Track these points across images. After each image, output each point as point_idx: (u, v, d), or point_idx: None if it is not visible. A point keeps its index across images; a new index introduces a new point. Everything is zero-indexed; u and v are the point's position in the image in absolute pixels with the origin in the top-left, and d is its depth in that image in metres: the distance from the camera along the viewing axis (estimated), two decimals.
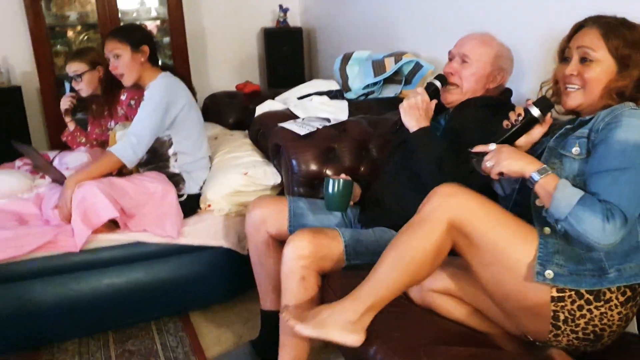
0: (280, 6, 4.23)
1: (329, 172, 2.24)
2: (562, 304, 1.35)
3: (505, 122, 1.57)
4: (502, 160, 1.39)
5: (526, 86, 2.19)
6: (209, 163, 2.63)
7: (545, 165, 1.36)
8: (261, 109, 2.81)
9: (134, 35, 2.43)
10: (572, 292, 1.35)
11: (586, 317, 1.35)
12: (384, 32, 3.28)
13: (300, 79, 3.99)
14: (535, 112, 1.51)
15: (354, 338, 1.46)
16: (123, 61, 2.39)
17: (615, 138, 1.34)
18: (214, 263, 2.42)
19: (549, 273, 1.35)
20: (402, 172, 1.97)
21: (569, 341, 1.39)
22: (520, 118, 1.52)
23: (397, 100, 2.79)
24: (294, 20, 4.37)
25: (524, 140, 1.55)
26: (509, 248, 1.39)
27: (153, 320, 2.44)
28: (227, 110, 3.35)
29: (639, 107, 1.41)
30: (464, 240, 1.42)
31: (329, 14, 4.03)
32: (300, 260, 1.70)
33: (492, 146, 1.47)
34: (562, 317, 1.36)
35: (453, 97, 1.98)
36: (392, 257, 1.46)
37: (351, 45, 3.39)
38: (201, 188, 2.54)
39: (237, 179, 2.47)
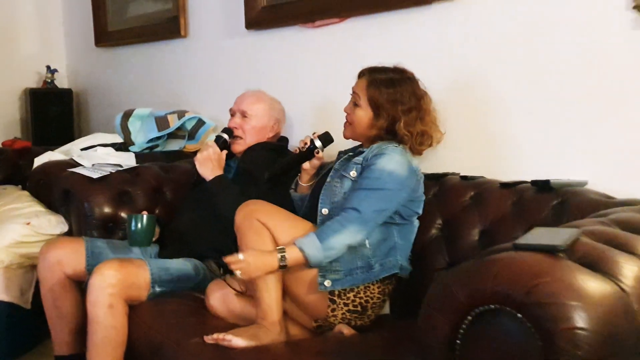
0: (48, 67, 4.13)
1: (123, 214, 2.30)
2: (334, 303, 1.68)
3: (294, 148, 1.88)
4: (251, 273, 1.59)
5: (298, 134, 2.55)
6: None
7: (278, 247, 1.61)
8: (40, 160, 2.74)
9: None
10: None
11: (354, 290, 1.68)
12: (163, 93, 3.45)
13: (70, 138, 3.92)
14: (318, 143, 1.86)
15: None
16: None
17: (377, 165, 1.71)
18: None
19: (328, 282, 1.66)
20: (202, 209, 2.14)
21: (343, 314, 1.68)
22: (307, 146, 1.84)
23: (182, 152, 2.97)
24: (61, 82, 4.30)
25: (308, 165, 1.87)
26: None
27: None
28: None
29: (399, 145, 1.79)
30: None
31: (100, 76, 4.06)
32: (108, 289, 1.75)
33: (240, 256, 1.59)
34: (336, 292, 1.67)
35: (240, 148, 2.26)
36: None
37: (127, 106, 3.47)
38: None
39: (18, 230, 2.37)
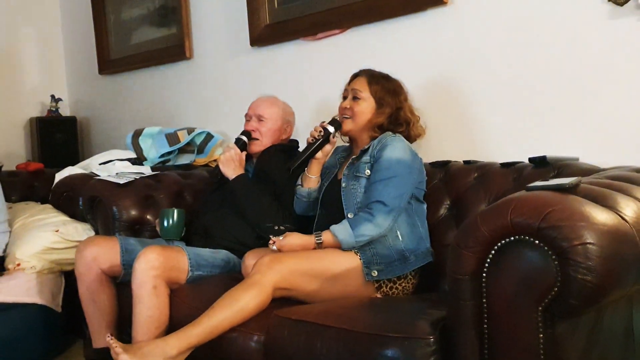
0: (53, 96, 4.29)
1: (149, 217, 2.44)
2: (381, 289, 1.85)
3: (309, 138, 2.06)
4: (286, 245, 1.83)
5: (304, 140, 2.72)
6: (9, 227, 2.59)
7: (316, 232, 1.86)
8: (62, 175, 2.88)
9: None
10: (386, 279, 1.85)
11: (395, 292, 1.87)
12: (169, 114, 3.62)
13: (75, 163, 4.06)
14: (331, 129, 2.03)
15: None
16: None
17: (384, 157, 1.90)
18: (26, 323, 2.34)
19: (374, 272, 1.83)
20: (225, 206, 2.30)
21: None
22: (322, 134, 2.02)
23: (192, 166, 3.14)
24: (64, 110, 4.45)
25: (321, 154, 2.06)
26: (337, 270, 1.81)
27: None
28: (9, 189, 3.26)
29: (396, 134, 2.00)
30: (289, 291, 1.77)
31: (105, 102, 4.22)
32: (152, 271, 1.88)
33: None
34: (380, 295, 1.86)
35: (257, 148, 2.43)
36: (223, 307, 1.69)
37: (133, 128, 3.61)
38: (4, 251, 2.49)
39: (48, 237, 2.50)
